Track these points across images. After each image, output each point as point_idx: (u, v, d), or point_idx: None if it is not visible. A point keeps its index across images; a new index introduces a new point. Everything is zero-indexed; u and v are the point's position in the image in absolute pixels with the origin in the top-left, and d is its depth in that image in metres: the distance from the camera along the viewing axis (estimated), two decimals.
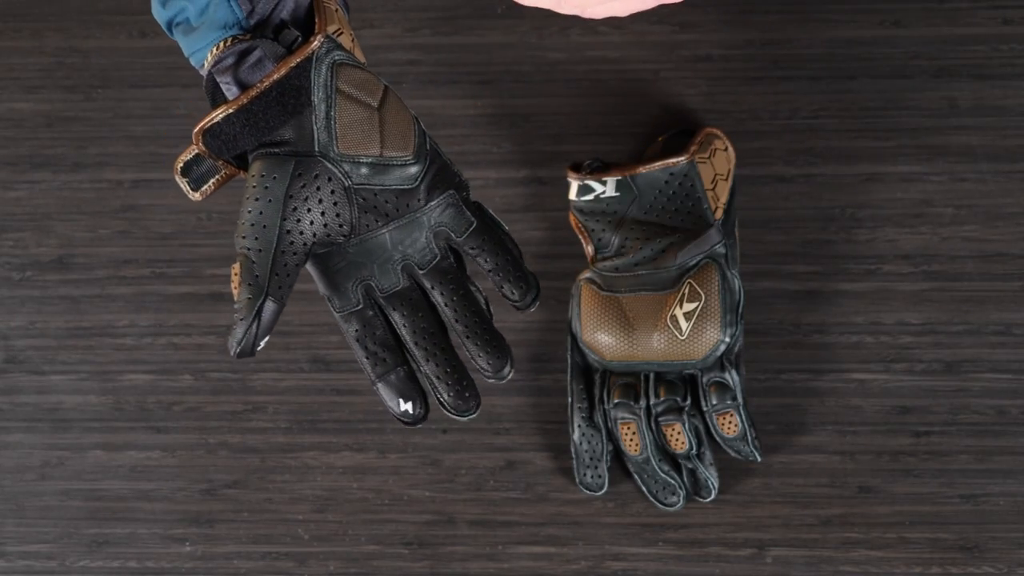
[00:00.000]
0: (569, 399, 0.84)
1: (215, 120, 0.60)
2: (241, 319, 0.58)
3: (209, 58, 0.60)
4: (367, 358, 0.63)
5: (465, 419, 0.64)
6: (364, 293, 0.63)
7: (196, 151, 0.62)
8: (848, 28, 0.87)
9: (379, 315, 0.63)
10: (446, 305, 0.63)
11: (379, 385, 0.63)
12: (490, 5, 0.89)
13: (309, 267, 0.63)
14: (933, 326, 0.85)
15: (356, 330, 0.63)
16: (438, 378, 0.63)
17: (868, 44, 0.87)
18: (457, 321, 0.63)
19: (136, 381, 0.89)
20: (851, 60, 0.87)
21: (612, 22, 0.88)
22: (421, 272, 0.63)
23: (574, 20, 0.89)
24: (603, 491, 0.84)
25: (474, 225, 0.64)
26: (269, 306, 0.59)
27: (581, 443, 0.84)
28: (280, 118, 0.60)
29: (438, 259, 0.64)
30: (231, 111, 0.60)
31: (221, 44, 0.60)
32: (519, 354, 0.86)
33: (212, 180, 0.63)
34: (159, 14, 0.62)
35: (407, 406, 0.63)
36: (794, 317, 0.86)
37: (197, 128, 0.60)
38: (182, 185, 0.63)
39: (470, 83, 0.89)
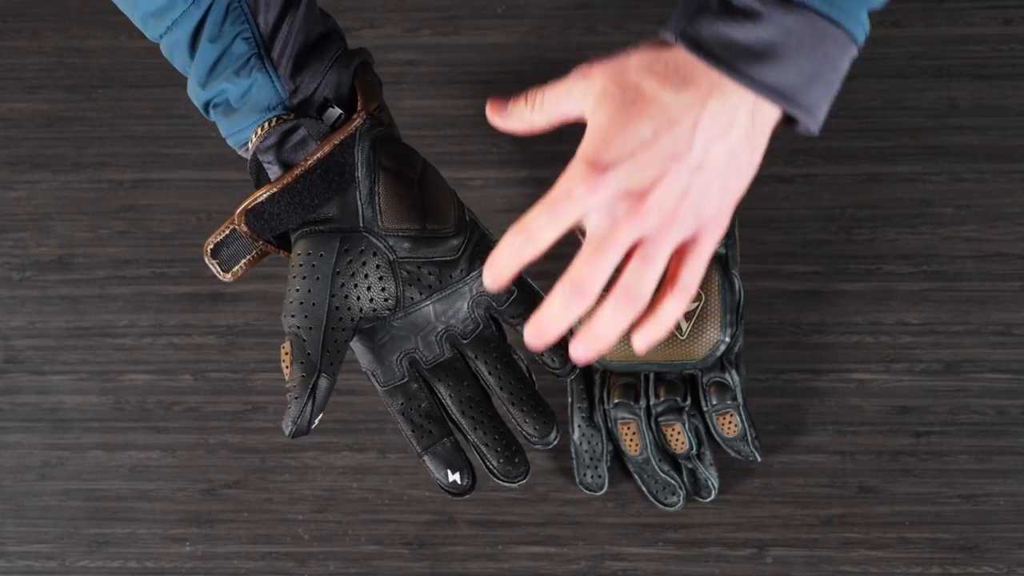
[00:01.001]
0: (569, 399, 0.84)
1: (259, 200, 0.60)
2: (296, 398, 0.58)
3: (253, 139, 0.60)
4: (413, 431, 0.62)
5: (515, 485, 0.63)
6: (408, 366, 0.63)
7: (227, 231, 0.61)
8: None
9: (423, 387, 0.63)
10: (489, 373, 0.63)
11: (426, 457, 0.63)
12: (490, 5, 0.89)
13: (354, 343, 0.62)
14: (933, 326, 0.85)
15: (401, 403, 0.63)
16: (486, 445, 0.63)
17: (868, 44, 0.87)
18: (501, 389, 0.63)
19: (136, 381, 0.89)
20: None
21: (612, 22, 0.88)
22: (464, 342, 0.63)
23: (574, 20, 0.89)
24: (603, 491, 0.84)
25: (515, 294, 0.64)
26: (323, 383, 0.59)
27: (581, 443, 0.84)
28: (324, 195, 0.60)
29: (480, 328, 0.64)
30: (275, 191, 0.59)
31: (266, 124, 0.60)
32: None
33: (244, 260, 0.62)
34: (197, 95, 0.62)
35: (455, 476, 0.63)
36: (794, 317, 0.86)
37: (240, 209, 0.60)
38: (212, 267, 0.62)
39: (470, 83, 0.89)
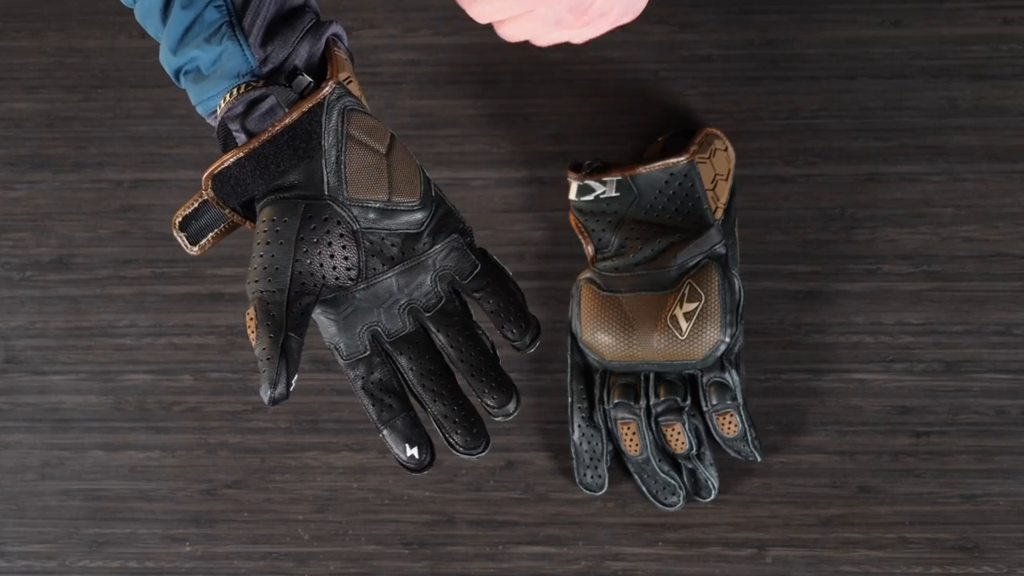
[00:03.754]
0: (569, 399, 0.84)
1: (226, 164, 0.60)
2: (267, 358, 0.57)
3: (222, 105, 0.60)
4: (373, 405, 0.63)
5: (475, 457, 0.64)
6: (371, 338, 0.63)
7: (196, 204, 0.62)
8: (848, 28, 0.87)
9: (385, 361, 0.63)
10: (451, 346, 0.64)
11: (385, 431, 0.63)
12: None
13: (316, 315, 0.63)
14: (933, 326, 0.85)
15: (363, 377, 0.63)
16: (445, 417, 0.63)
17: (868, 44, 0.87)
18: (462, 361, 0.64)
19: (136, 381, 0.89)
20: (851, 60, 0.87)
21: None
22: (427, 315, 0.64)
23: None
24: (603, 491, 0.84)
25: (478, 268, 0.64)
26: (293, 343, 0.58)
27: (581, 443, 0.84)
28: (291, 162, 0.60)
29: (443, 302, 0.64)
30: (241, 155, 0.60)
31: (234, 91, 0.60)
32: (519, 354, 0.86)
33: (211, 234, 0.63)
34: (168, 62, 0.62)
35: (413, 451, 0.63)
36: (794, 317, 0.86)
37: (207, 173, 0.60)
38: (180, 239, 0.62)
39: (470, 83, 0.89)
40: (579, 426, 0.84)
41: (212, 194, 0.61)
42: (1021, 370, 0.84)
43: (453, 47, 0.89)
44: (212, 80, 0.60)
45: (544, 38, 0.69)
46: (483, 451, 0.64)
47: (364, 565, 0.87)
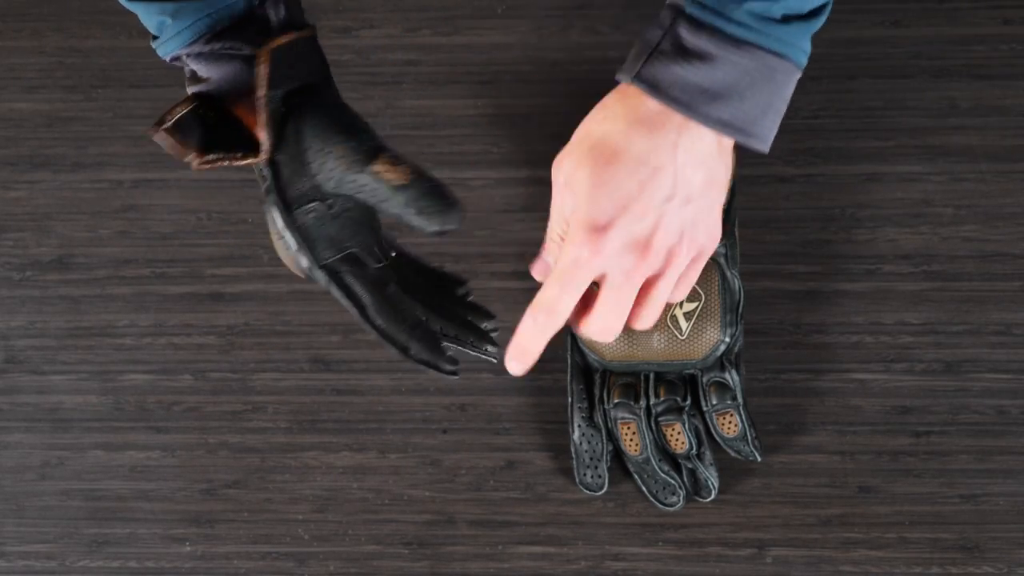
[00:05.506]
0: (569, 399, 0.84)
1: (289, 40, 0.60)
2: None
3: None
4: (393, 321, 0.64)
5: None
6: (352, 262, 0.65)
7: (186, 109, 0.61)
8: (848, 28, 0.87)
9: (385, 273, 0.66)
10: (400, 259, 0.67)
11: (412, 344, 0.64)
12: (490, 5, 0.89)
13: (309, 215, 0.63)
14: (933, 326, 0.85)
15: (354, 274, 0.64)
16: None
17: (868, 44, 0.87)
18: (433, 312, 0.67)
19: (136, 381, 0.89)
20: (851, 60, 0.87)
21: (611, 21, 0.88)
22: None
23: (574, 20, 0.89)
24: (603, 491, 0.84)
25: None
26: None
27: (581, 443, 0.84)
28: (313, 73, 0.62)
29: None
30: (303, 35, 0.61)
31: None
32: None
33: (215, 154, 0.62)
34: None
35: (450, 353, 0.65)
36: (794, 317, 0.86)
37: (265, 48, 0.59)
38: (168, 142, 0.60)
39: (470, 83, 0.89)
40: (579, 426, 0.84)
41: (266, 71, 0.59)
42: (1021, 370, 0.84)
43: (453, 47, 0.89)
44: (200, 4, 0.60)
45: (645, 311, 0.62)
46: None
47: (364, 565, 0.87)
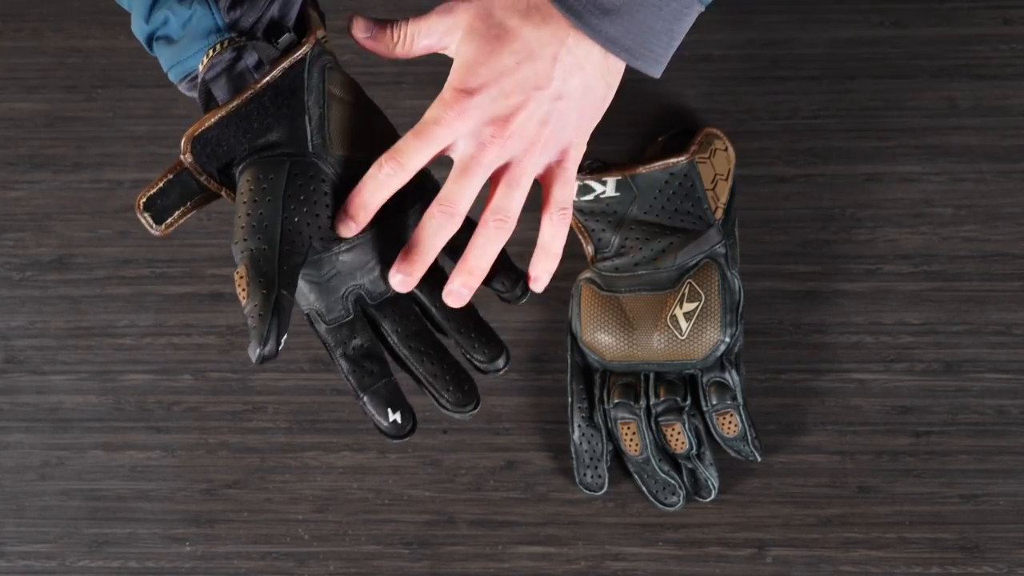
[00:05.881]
0: (569, 399, 0.84)
1: (208, 124, 0.58)
2: (259, 314, 0.55)
3: (204, 62, 0.60)
4: (354, 371, 0.62)
5: (467, 415, 0.63)
6: (353, 302, 0.62)
7: (164, 181, 0.60)
8: (848, 28, 0.87)
9: (367, 326, 0.62)
10: (435, 305, 0.63)
11: (365, 397, 0.62)
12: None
13: (300, 279, 0.61)
14: (933, 326, 0.85)
15: (344, 343, 0.62)
16: (435, 376, 0.62)
17: (868, 44, 0.87)
18: (448, 320, 0.63)
19: (136, 381, 0.89)
20: (851, 60, 0.87)
21: None
22: None
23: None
24: (603, 491, 0.84)
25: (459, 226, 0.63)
26: (284, 301, 0.57)
27: (581, 443, 0.84)
28: (274, 120, 0.59)
29: None
30: (223, 114, 0.58)
31: (217, 47, 0.59)
32: (519, 354, 0.86)
33: (177, 211, 0.60)
34: (140, 29, 0.62)
35: (396, 416, 0.62)
36: (794, 317, 0.86)
37: (186, 135, 0.59)
38: (144, 221, 0.60)
39: None
40: (579, 426, 0.84)
41: (191, 159, 0.59)
42: (1021, 370, 0.84)
43: None
44: (183, 43, 0.60)
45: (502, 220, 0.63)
46: (474, 409, 0.63)
47: (364, 565, 0.87)
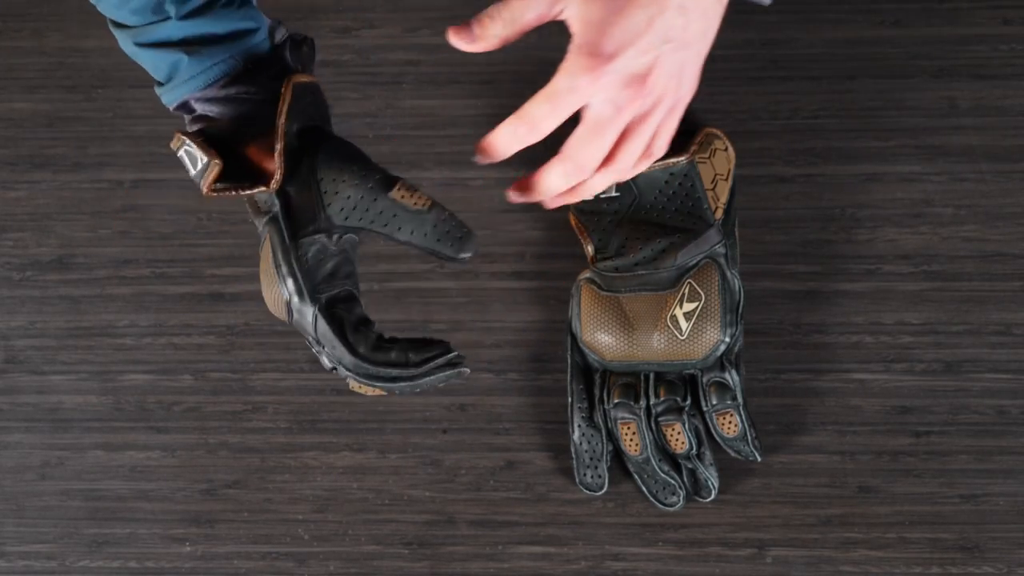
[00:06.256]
0: (569, 399, 0.84)
1: (308, 81, 0.64)
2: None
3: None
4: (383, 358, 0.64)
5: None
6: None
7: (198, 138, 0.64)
8: (848, 28, 0.87)
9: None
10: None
11: (424, 377, 0.63)
12: (490, 5, 0.89)
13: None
14: (933, 326, 0.85)
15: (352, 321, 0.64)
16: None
17: (868, 44, 0.87)
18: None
19: (136, 381, 0.89)
20: (851, 60, 0.87)
21: None
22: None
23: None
24: (603, 491, 0.84)
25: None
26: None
27: (581, 443, 0.84)
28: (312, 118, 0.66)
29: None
30: (317, 80, 0.64)
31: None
32: (519, 354, 0.86)
33: (224, 184, 0.64)
34: (170, 32, 0.63)
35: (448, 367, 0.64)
36: (794, 317, 0.86)
37: (292, 80, 0.63)
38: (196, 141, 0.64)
39: (470, 83, 0.89)
40: (579, 426, 0.84)
41: (289, 100, 0.63)
42: (1021, 370, 0.84)
43: (453, 47, 0.89)
44: (223, 47, 0.63)
45: (622, 156, 0.63)
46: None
47: (364, 565, 0.87)
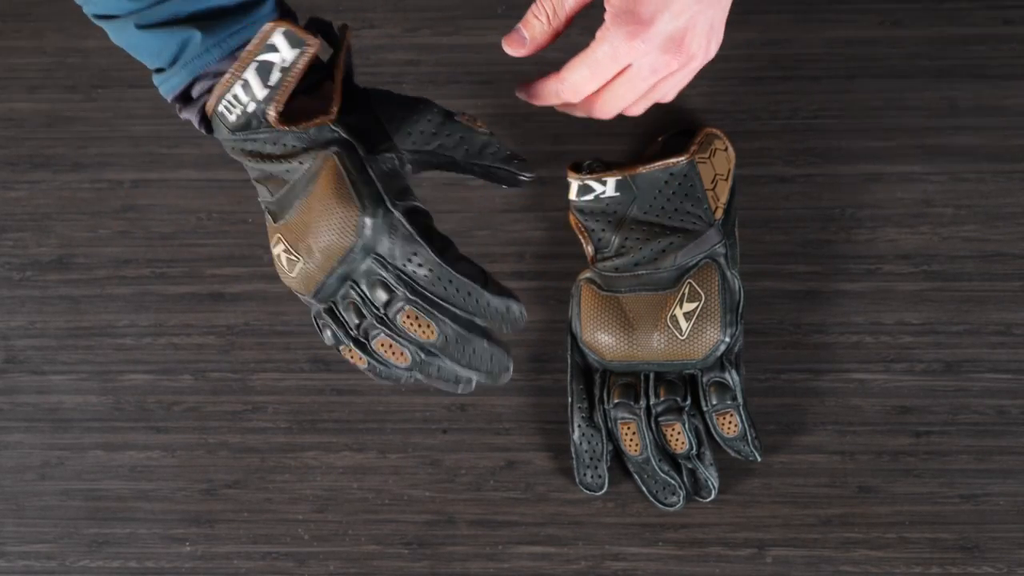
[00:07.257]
0: (569, 399, 0.84)
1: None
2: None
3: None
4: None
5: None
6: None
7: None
8: (848, 28, 0.87)
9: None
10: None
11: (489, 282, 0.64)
12: (490, 5, 0.89)
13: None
14: (933, 326, 0.85)
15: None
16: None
17: (868, 44, 0.87)
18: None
19: (136, 381, 0.89)
20: (851, 60, 0.87)
21: None
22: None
23: (574, 20, 0.89)
24: (603, 491, 0.84)
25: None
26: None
27: (581, 443, 0.84)
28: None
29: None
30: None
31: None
32: (519, 354, 0.86)
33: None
34: (178, 7, 0.61)
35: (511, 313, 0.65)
36: (794, 317, 0.86)
37: (342, 26, 0.65)
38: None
39: (470, 83, 0.89)
40: (579, 426, 0.84)
41: (349, 38, 0.65)
42: (1021, 370, 0.84)
43: (453, 47, 0.89)
44: (235, 17, 0.61)
45: (639, 103, 0.67)
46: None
47: (364, 565, 0.87)
